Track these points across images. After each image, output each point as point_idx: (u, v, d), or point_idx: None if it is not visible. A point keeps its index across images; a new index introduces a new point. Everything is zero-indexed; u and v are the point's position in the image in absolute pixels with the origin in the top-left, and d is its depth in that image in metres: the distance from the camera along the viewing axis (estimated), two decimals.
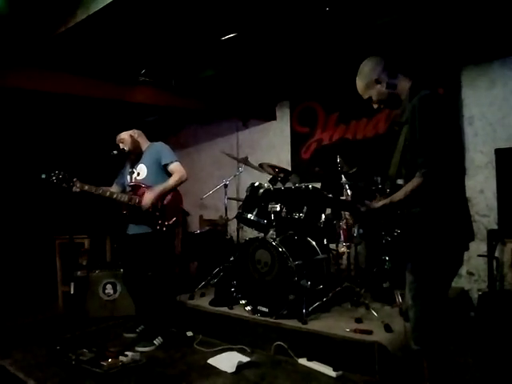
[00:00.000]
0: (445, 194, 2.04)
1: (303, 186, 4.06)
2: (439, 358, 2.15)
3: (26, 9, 3.34)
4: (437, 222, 2.04)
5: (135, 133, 3.95)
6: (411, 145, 2.07)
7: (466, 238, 2.17)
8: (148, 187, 3.73)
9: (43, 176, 3.63)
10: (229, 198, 5.27)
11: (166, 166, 3.80)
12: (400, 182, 2.18)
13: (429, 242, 2.06)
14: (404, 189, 2.07)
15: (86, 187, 3.69)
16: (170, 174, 3.79)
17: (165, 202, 3.78)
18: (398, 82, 2.24)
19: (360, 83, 2.33)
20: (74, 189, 3.67)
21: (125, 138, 3.90)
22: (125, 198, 3.75)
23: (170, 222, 3.74)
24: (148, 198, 3.67)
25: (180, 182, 3.79)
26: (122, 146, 3.89)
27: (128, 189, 3.88)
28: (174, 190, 3.82)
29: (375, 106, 2.34)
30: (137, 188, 3.80)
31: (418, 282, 2.14)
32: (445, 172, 2.00)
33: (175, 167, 3.79)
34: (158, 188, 3.70)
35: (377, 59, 2.30)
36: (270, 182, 4.27)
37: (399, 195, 2.07)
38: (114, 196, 3.75)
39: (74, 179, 3.68)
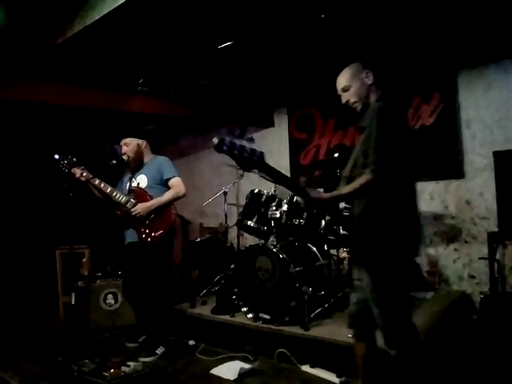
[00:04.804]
0: (393, 196, 2.13)
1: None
2: (416, 359, 2.20)
3: (23, 20, 3.36)
4: (384, 224, 2.12)
5: (143, 143, 3.94)
6: (365, 147, 2.16)
7: (413, 242, 2.22)
8: (149, 196, 3.74)
9: (56, 157, 3.69)
10: (229, 204, 5.27)
11: (167, 180, 3.80)
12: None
13: (378, 244, 2.12)
14: (353, 183, 2.14)
15: (91, 176, 3.72)
16: (169, 188, 3.79)
17: (155, 214, 3.74)
18: (373, 90, 2.37)
19: (348, 71, 2.42)
20: (80, 176, 3.68)
21: (130, 143, 3.89)
22: (123, 198, 3.75)
23: (157, 234, 3.70)
24: (142, 205, 3.68)
25: (176, 198, 3.77)
26: (124, 149, 3.88)
27: (126, 192, 3.86)
28: (168, 204, 3.77)
29: (345, 99, 2.40)
30: (137, 193, 3.79)
31: (376, 287, 2.16)
32: (394, 173, 2.09)
33: (175, 182, 3.79)
34: (152, 201, 3.70)
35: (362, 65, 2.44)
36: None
37: (347, 188, 2.15)
38: (114, 194, 3.75)
39: (82, 167, 3.72)
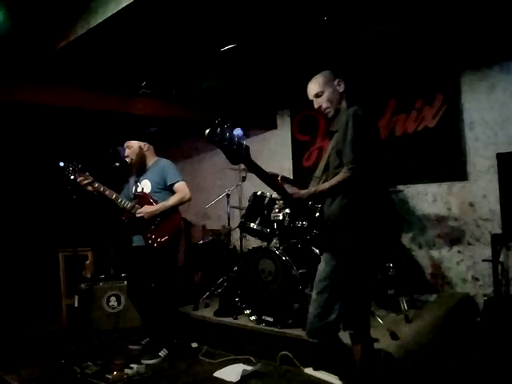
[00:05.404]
0: (367, 194, 2.25)
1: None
2: (370, 341, 2.41)
3: (27, 24, 3.38)
4: (359, 218, 2.24)
5: (145, 146, 3.92)
6: (339, 148, 2.27)
7: (384, 235, 2.36)
8: (155, 201, 3.75)
9: (61, 164, 3.68)
10: (232, 207, 5.27)
11: (171, 185, 3.80)
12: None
13: (352, 237, 2.24)
14: (330, 181, 2.25)
15: (96, 185, 3.72)
16: (174, 193, 3.80)
17: (161, 218, 3.74)
18: (344, 97, 2.49)
19: (320, 78, 2.50)
20: (86, 185, 3.68)
21: (133, 146, 3.89)
22: (128, 204, 3.76)
23: (163, 240, 3.71)
24: (146, 208, 3.69)
25: (181, 202, 3.78)
26: (127, 152, 3.89)
27: (132, 197, 3.88)
28: (174, 208, 3.79)
29: (318, 104, 2.48)
30: (142, 199, 3.80)
31: (329, 277, 2.31)
32: (367, 173, 2.20)
33: (179, 187, 3.79)
34: (157, 205, 3.71)
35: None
36: None
37: (325, 185, 2.25)
38: (119, 200, 3.76)
39: (87, 173, 3.73)
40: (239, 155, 1.93)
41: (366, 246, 2.27)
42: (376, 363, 2.56)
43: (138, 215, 3.68)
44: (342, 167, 2.23)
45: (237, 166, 5.67)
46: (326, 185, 2.24)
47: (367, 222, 2.24)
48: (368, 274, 2.37)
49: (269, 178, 2.16)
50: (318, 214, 2.37)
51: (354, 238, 2.24)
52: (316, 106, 2.50)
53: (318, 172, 2.46)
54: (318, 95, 2.47)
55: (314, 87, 2.49)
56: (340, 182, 2.19)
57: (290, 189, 2.25)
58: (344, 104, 2.46)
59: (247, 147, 1.95)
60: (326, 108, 2.47)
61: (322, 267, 2.39)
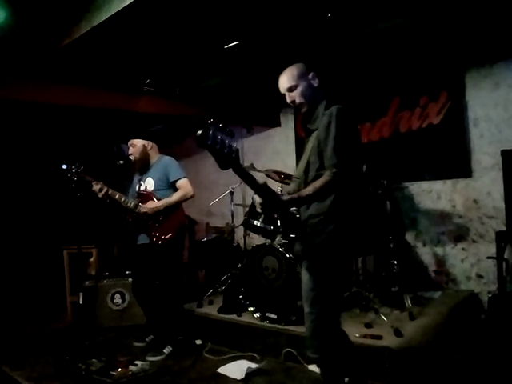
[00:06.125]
0: (348, 198, 2.17)
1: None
2: (337, 366, 2.23)
3: (30, 23, 3.38)
4: (339, 226, 2.14)
5: (149, 144, 3.94)
6: (321, 149, 2.17)
7: (359, 243, 2.28)
8: (158, 199, 3.76)
9: (64, 167, 3.67)
10: (235, 204, 5.27)
11: (174, 182, 3.81)
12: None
13: (332, 243, 2.15)
14: (313, 184, 2.11)
15: (105, 189, 3.70)
16: (177, 190, 3.80)
17: (165, 216, 3.75)
18: (319, 93, 2.36)
19: (294, 70, 2.34)
20: (96, 191, 3.67)
21: (137, 144, 3.90)
22: (131, 203, 3.77)
23: (167, 237, 3.72)
24: (150, 204, 3.71)
25: (184, 199, 3.79)
26: (131, 150, 3.90)
27: (135, 195, 3.90)
28: (177, 205, 3.80)
29: (291, 98, 2.34)
30: (145, 197, 3.81)
31: (317, 287, 2.18)
32: (350, 176, 2.12)
33: (182, 183, 3.80)
34: (161, 202, 3.73)
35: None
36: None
37: (308, 190, 2.10)
38: (122, 199, 3.76)
39: (101, 182, 3.72)
40: (229, 159, 1.79)
41: (346, 250, 2.19)
42: None
43: (142, 210, 3.69)
44: (323, 169, 2.14)
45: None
46: (310, 189, 2.10)
47: (347, 226, 2.16)
48: (340, 284, 2.25)
49: (255, 184, 1.99)
50: (295, 218, 2.24)
51: (334, 242, 2.15)
52: (288, 100, 2.35)
53: (299, 173, 2.33)
54: (291, 89, 2.32)
55: (286, 80, 2.33)
56: (322, 187, 2.08)
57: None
58: (318, 100, 2.33)
59: (237, 150, 1.82)
60: (300, 103, 2.32)
61: (305, 278, 2.25)
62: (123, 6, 2.96)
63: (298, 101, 2.32)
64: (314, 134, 2.25)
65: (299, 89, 2.31)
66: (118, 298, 4.69)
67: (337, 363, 2.22)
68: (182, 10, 3.24)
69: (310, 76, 2.34)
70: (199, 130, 1.70)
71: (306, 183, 2.22)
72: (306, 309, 2.23)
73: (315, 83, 2.35)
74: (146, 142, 3.93)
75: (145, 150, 3.91)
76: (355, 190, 2.22)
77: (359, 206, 2.24)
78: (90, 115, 5.41)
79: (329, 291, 2.18)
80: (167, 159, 3.93)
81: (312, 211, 2.19)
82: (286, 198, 2.11)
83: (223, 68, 4.53)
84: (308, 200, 2.15)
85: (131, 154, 3.89)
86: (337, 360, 2.22)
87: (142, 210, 3.70)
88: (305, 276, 2.25)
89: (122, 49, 3.88)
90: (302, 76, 2.32)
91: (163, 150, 4.08)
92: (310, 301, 2.21)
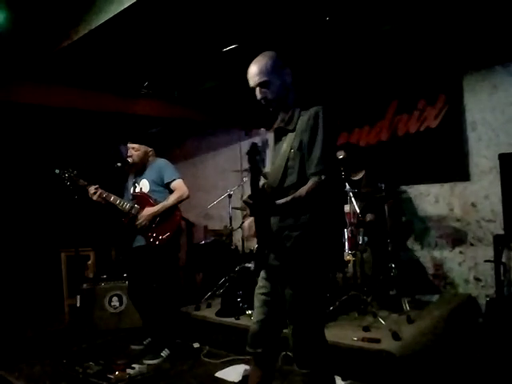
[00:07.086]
0: (330, 207, 2.06)
1: None
2: (327, 379, 2.09)
3: (29, 25, 3.39)
4: (322, 234, 2.01)
5: (151, 152, 3.93)
6: (303, 153, 2.02)
7: (338, 255, 2.24)
8: (154, 200, 3.76)
9: (57, 171, 3.68)
10: (233, 208, 5.27)
11: (168, 183, 3.81)
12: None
13: (313, 254, 2.00)
14: (299, 192, 1.97)
15: (99, 192, 3.71)
16: (172, 191, 3.80)
17: (161, 217, 3.75)
18: (291, 90, 2.18)
19: (266, 63, 2.10)
20: (94, 196, 3.68)
21: (139, 149, 3.87)
22: (127, 206, 3.77)
23: (164, 237, 3.71)
24: (147, 211, 3.70)
25: (180, 200, 3.78)
26: (131, 152, 3.88)
27: (130, 198, 3.89)
28: (174, 206, 3.80)
29: (262, 95, 2.14)
30: (140, 198, 3.81)
31: (300, 300, 2.03)
32: (332, 183, 2.02)
33: (177, 185, 3.80)
34: (158, 206, 3.72)
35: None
36: None
37: (301, 192, 1.97)
38: (117, 202, 3.76)
39: (97, 185, 3.74)
40: (259, 172, 1.78)
41: (324, 265, 2.05)
42: None
43: (138, 226, 3.69)
44: (305, 174, 2.00)
45: (238, 167, 5.68)
46: (302, 191, 1.97)
47: (326, 237, 2.03)
48: (321, 299, 2.14)
49: (256, 186, 1.87)
50: (268, 230, 2.04)
51: (314, 256, 2.00)
52: (258, 96, 2.13)
53: (274, 179, 2.09)
54: (263, 85, 2.09)
55: (258, 73, 2.09)
56: (308, 194, 1.94)
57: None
58: (291, 99, 2.15)
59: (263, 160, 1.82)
60: (271, 101, 2.12)
61: (288, 293, 2.04)
62: (122, 8, 2.97)
63: (269, 98, 2.11)
64: (291, 136, 2.08)
65: (273, 86, 2.09)
66: (115, 301, 4.68)
67: (327, 376, 2.10)
68: (181, 13, 3.25)
69: (285, 71, 2.13)
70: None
71: (284, 189, 2.04)
72: (291, 325, 2.07)
73: (289, 79, 2.14)
74: (149, 149, 3.91)
75: (146, 156, 3.90)
76: (335, 197, 2.11)
77: (337, 215, 2.16)
78: (88, 117, 5.41)
79: (311, 304, 2.04)
80: (162, 161, 3.93)
81: (288, 220, 2.03)
82: (280, 201, 1.97)
83: (221, 71, 4.53)
84: (292, 206, 1.98)
85: (130, 157, 3.88)
86: (328, 372, 2.11)
87: (139, 225, 3.69)
88: (287, 292, 2.05)
89: (120, 51, 3.88)
90: (275, 70, 2.09)
91: (162, 153, 4.08)
92: (295, 317, 2.06)
